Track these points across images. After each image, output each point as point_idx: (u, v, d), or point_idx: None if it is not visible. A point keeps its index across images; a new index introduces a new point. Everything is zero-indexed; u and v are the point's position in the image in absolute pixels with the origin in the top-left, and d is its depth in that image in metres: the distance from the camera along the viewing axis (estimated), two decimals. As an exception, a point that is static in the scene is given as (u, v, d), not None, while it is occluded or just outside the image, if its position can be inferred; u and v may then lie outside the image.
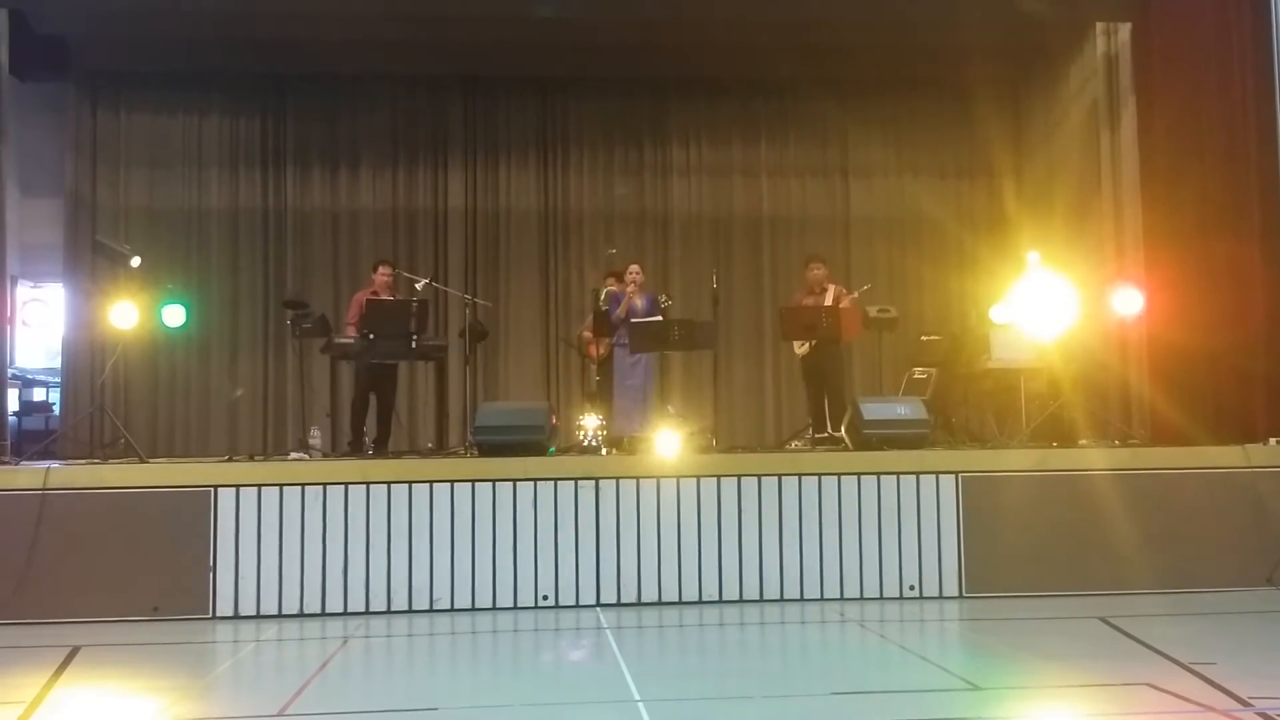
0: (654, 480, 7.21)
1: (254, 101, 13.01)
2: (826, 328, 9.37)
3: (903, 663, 5.67)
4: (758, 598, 7.14)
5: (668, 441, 8.12)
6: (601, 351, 10.02)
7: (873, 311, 9.94)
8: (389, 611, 6.99)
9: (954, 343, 10.33)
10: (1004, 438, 9.16)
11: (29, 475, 7.07)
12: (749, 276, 13.16)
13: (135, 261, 8.66)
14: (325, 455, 9.07)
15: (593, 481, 7.19)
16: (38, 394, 12.34)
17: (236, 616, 6.92)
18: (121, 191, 12.72)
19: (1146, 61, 10.31)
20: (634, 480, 7.21)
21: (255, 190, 12.92)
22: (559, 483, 7.17)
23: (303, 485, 7.07)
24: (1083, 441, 8.85)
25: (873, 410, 8.08)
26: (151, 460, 8.42)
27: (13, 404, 11.23)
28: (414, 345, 9.18)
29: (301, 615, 6.94)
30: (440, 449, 9.50)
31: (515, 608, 7.04)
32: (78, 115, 12.61)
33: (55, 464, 7.88)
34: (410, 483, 7.12)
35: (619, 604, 7.07)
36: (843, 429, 8.71)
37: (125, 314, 8.46)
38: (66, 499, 6.96)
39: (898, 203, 13.28)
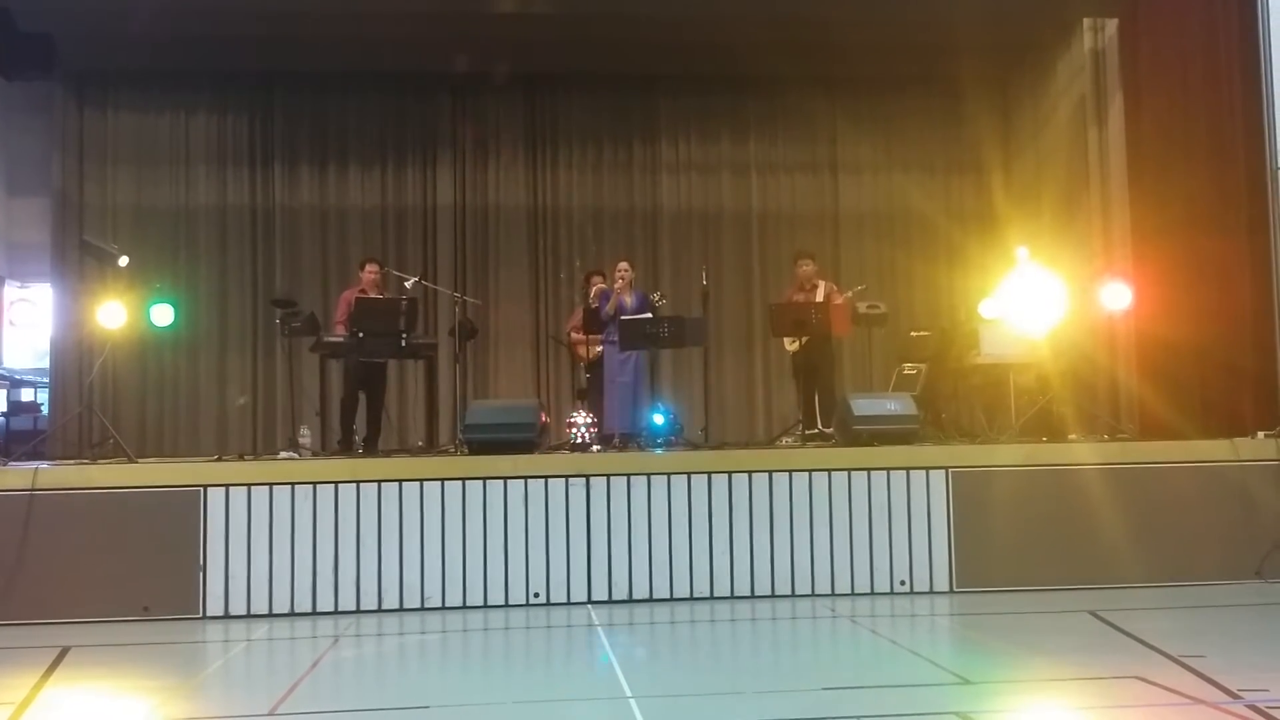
0: (644, 477, 7.21)
1: (241, 99, 12.98)
2: (816, 324, 9.38)
3: (894, 657, 5.69)
4: (749, 594, 7.15)
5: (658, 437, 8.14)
6: (591, 352, 10.01)
7: (862, 308, 9.96)
8: (380, 610, 6.98)
9: (943, 338, 10.35)
10: (993, 433, 9.18)
11: (17, 476, 7.04)
12: (738, 273, 13.18)
13: (123, 261, 8.63)
14: (315, 454, 9.06)
15: (583, 479, 7.19)
16: (26, 394, 12.30)
17: (227, 616, 6.90)
18: (109, 190, 12.67)
19: (1134, 57, 10.34)
20: (624, 477, 7.21)
21: (243, 188, 12.89)
22: (549, 480, 7.17)
23: (292, 484, 7.06)
24: (1072, 436, 8.88)
25: (863, 406, 8.10)
26: (140, 460, 8.40)
27: (1, 405, 11.19)
28: (403, 343, 9.17)
29: (292, 614, 6.93)
30: (430, 447, 9.49)
31: (506, 605, 7.03)
32: (64, 114, 12.56)
33: (44, 464, 7.85)
34: (400, 481, 7.12)
35: (610, 601, 7.08)
36: (833, 425, 8.72)
37: (113, 313, 8.42)
38: (55, 499, 6.93)
39: (887, 199, 13.30)
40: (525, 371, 12.88)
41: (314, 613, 6.95)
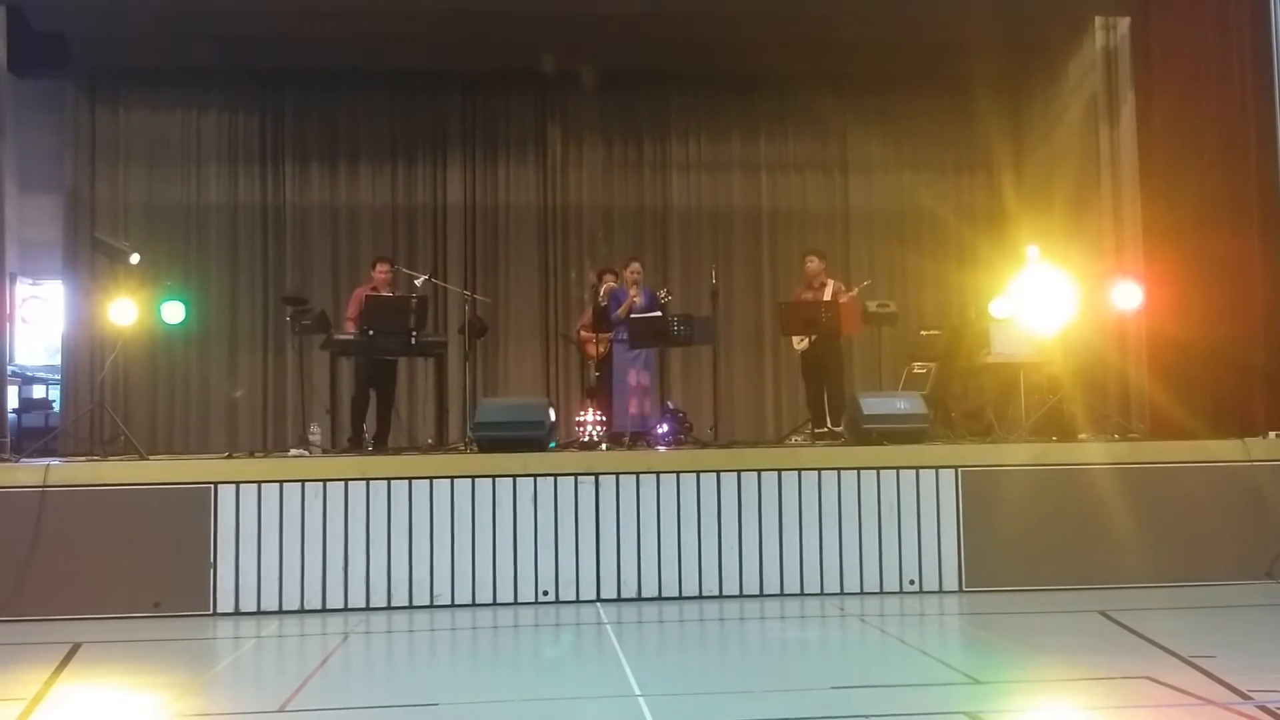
0: (654, 475, 7.21)
1: (253, 97, 13.01)
2: (825, 323, 9.37)
3: (903, 657, 5.68)
4: (758, 593, 7.15)
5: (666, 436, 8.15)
6: (601, 350, 10.02)
7: (872, 306, 9.94)
8: (389, 607, 6.99)
9: (953, 337, 10.33)
10: (1004, 432, 9.16)
11: (29, 472, 7.06)
12: (748, 272, 13.17)
13: (134, 258, 8.65)
14: (325, 452, 9.07)
15: (592, 477, 7.19)
16: (37, 391, 12.33)
17: (237, 613, 6.92)
18: (120, 188, 12.72)
19: (1145, 56, 10.30)
20: (634, 475, 7.21)
21: (254, 186, 12.92)
22: (559, 478, 7.17)
23: (303, 482, 7.07)
24: (1082, 436, 8.85)
25: (872, 405, 8.09)
26: (151, 457, 8.42)
27: (12, 401, 11.23)
28: (413, 341, 9.17)
29: (302, 611, 6.95)
30: (440, 445, 9.50)
31: (515, 603, 7.04)
32: (76, 112, 12.61)
33: (55, 461, 7.88)
34: (410, 479, 7.12)
35: (619, 599, 7.08)
36: (842, 424, 8.71)
37: (124, 311, 8.45)
38: (66, 496, 6.95)
39: (897, 197, 13.28)
40: (535, 370, 12.90)
41: (324, 610, 6.96)
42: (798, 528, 7.20)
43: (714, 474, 7.24)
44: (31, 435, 10.73)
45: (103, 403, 9.20)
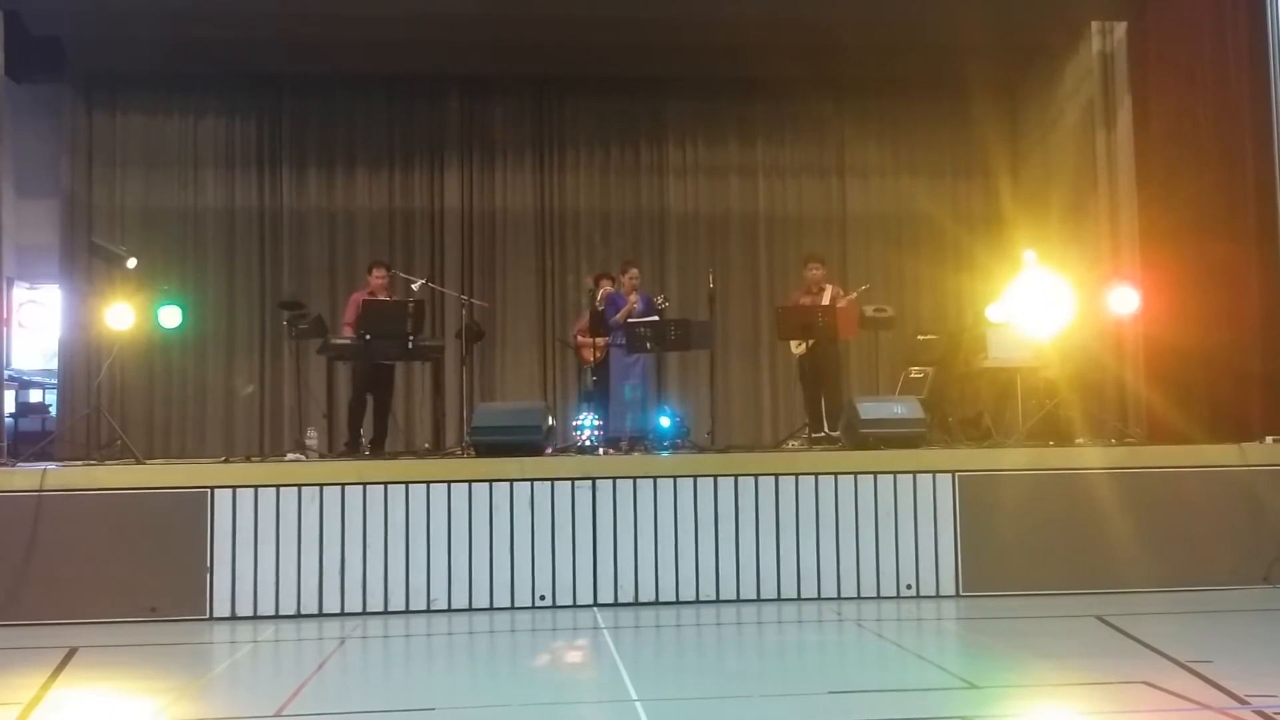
0: (651, 480, 7.21)
1: (250, 102, 13.01)
2: (823, 327, 9.37)
3: (900, 662, 5.68)
4: (755, 597, 7.14)
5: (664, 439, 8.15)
6: (598, 355, 10.02)
7: (869, 311, 9.95)
8: (386, 612, 6.98)
9: (950, 342, 10.34)
10: (1000, 436, 9.16)
11: (25, 477, 7.06)
12: (745, 276, 13.17)
13: (131, 263, 8.65)
14: (322, 456, 9.07)
15: (590, 481, 7.19)
16: (34, 395, 12.31)
17: (234, 617, 6.91)
18: (117, 193, 12.71)
19: (1142, 61, 10.32)
20: (631, 480, 7.21)
21: (251, 191, 12.91)
22: (556, 483, 7.17)
23: (299, 486, 7.07)
24: (1079, 440, 8.86)
25: (869, 409, 8.09)
26: (148, 461, 8.42)
27: (9, 406, 11.21)
28: (410, 346, 9.17)
29: (298, 616, 6.94)
30: (437, 449, 9.51)
31: (512, 608, 7.04)
32: (73, 116, 12.60)
33: (52, 465, 7.87)
34: (407, 483, 7.12)
35: (616, 604, 7.07)
36: (839, 428, 8.71)
37: (121, 315, 8.45)
38: (63, 500, 6.95)
39: (894, 202, 13.28)
40: (532, 374, 12.89)
41: (320, 614, 6.95)
42: (795, 532, 7.20)
43: (711, 478, 7.24)
44: (28, 440, 10.71)
45: (99, 407, 9.20)
